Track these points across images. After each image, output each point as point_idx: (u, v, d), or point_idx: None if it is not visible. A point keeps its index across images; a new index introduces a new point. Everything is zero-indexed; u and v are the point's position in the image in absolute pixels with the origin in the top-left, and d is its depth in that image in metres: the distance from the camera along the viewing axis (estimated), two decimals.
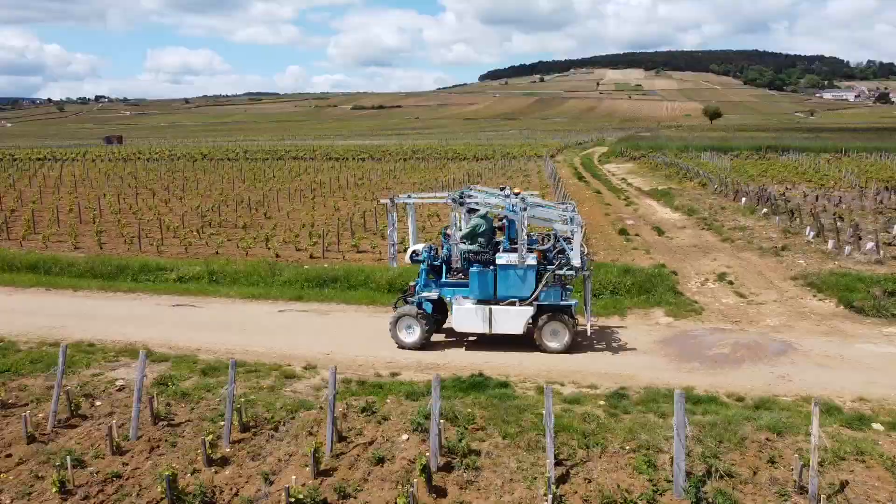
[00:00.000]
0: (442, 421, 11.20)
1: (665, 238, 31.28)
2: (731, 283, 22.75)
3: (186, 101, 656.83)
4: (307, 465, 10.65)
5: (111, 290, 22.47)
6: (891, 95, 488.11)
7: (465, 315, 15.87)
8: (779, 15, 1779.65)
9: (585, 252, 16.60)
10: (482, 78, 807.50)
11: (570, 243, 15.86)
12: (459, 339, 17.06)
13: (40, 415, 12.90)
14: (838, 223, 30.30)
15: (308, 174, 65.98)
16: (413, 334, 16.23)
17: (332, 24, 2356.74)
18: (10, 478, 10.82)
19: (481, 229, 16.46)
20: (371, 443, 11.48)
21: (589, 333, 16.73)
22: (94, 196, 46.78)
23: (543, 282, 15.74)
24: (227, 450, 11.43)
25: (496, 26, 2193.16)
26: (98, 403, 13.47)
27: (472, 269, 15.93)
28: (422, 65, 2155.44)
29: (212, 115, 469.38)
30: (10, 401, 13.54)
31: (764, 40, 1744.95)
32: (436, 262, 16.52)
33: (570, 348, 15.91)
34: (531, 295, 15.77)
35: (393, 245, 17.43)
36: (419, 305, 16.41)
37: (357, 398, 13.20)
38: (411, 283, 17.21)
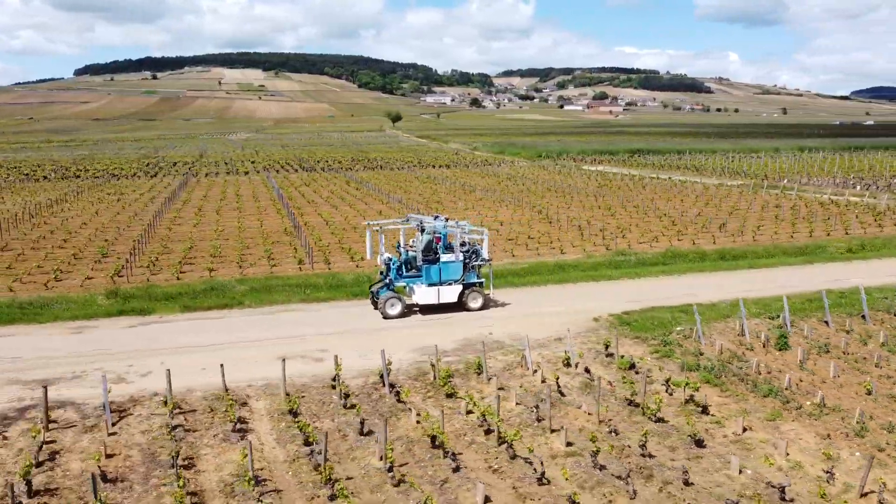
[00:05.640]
0: None
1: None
2: None
3: None
4: None
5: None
6: (479, 99, 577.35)
7: (424, 293, 26.10)
8: (367, 23, 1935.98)
9: (489, 252, 27.92)
10: (79, 73, 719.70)
11: (482, 246, 27.17)
12: (411, 312, 26.59)
13: None
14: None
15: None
16: (396, 308, 25.80)
17: None
18: None
19: (429, 241, 26.48)
20: None
21: (492, 296, 27.55)
22: None
23: (466, 270, 26.48)
24: None
25: (74, 13, 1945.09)
26: None
27: (424, 266, 26.16)
28: None
29: None
30: None
31: (357, 45, 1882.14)
32: (398, 264, 26.53)
33: (483, 307, 26.62)
34: (460, 277, 26.41)
35: (381, 254, 27.25)
36: (393, 291, 26.22)
37: None
38: (376, 281, 27.72)
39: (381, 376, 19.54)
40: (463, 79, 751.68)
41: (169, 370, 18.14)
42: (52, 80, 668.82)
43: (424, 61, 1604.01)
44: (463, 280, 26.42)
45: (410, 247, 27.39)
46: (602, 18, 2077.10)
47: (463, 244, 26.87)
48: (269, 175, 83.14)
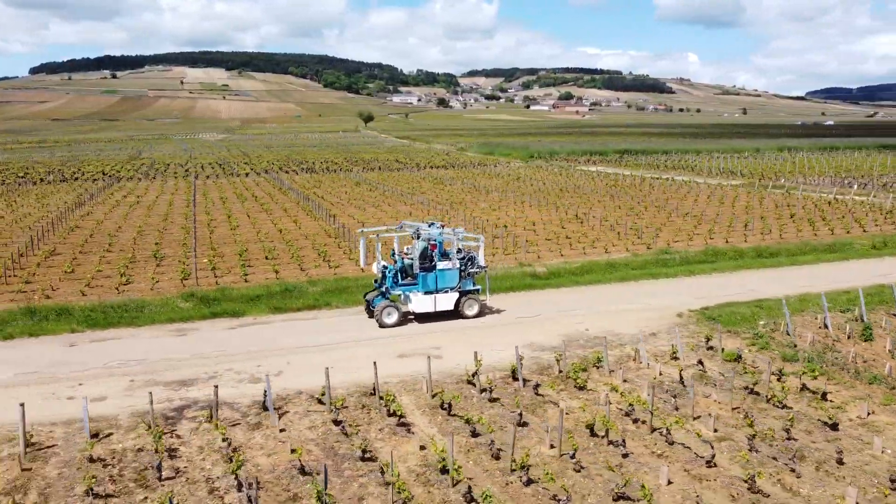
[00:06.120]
0: None
1: None
2: None
3: None
4: None
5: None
6: (446, 99, 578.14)
7: (421, 301, 26.05)
8: (330, 22, 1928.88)
9: (485, 260, 28.12)
10: (34, 71, 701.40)
11: (478, 253, 27.30)
12: (406, 319, 26.59)
13: None
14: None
15: None
16: (392, 317, 25.68)
17: None
18: None
19: (425, 248, 26.49)
20: None
21: (488, 304, 27.91)
22: None
23: (462, 277, 26.66)
24: None
25: (26, 10, 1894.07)
26: None
27: (420, 274, 26.07)
28: None
29: None
30: None
31: (320, 45, 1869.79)
32: (393, 272, 26.47)
33: (479, 314, 26.77)
34: (456, 285, 26.52)
35: (378, 262, 27.05)
36: (388, 299, 26.26)
37: None
38: (371, 289, 27.67)
39: (513, 371, 20.53)
40: (429, 79, 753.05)
41: (328, 368, 18.82)
42: (6, 78, 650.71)
43: (390, 61, 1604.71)
44: (459, 288, 26.57)
45: (406, 254, 27.33)
46: (564, 18, 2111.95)
47: (459, 251, 26.94)
48: (272, 176, 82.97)
